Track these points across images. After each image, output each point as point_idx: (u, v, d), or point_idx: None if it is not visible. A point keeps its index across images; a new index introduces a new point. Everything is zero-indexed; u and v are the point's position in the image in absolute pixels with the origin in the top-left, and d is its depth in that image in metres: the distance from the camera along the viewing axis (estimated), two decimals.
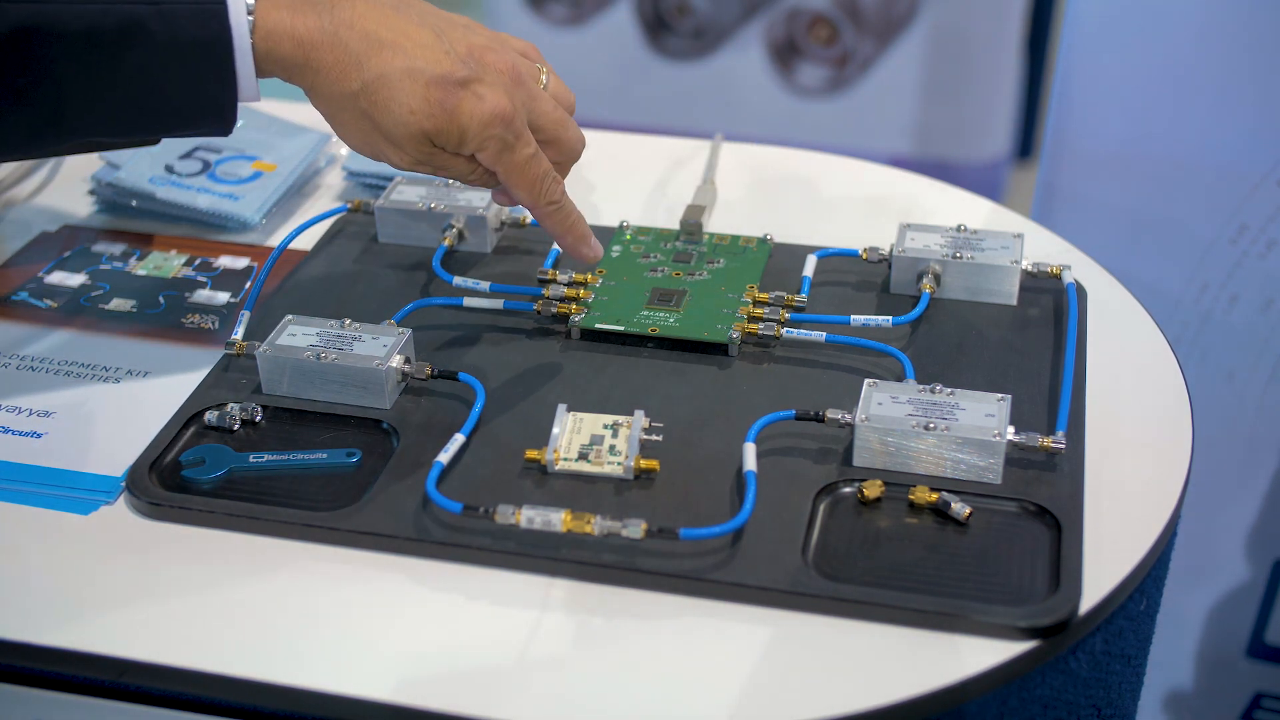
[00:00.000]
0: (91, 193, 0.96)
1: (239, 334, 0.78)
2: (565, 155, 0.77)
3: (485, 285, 0.82)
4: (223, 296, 0.86)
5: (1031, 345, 0.78)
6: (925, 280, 0.81)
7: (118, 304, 0.85)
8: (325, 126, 1.01)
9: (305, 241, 0.89)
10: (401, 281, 0.85)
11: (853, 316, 0.78)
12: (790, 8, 2.11)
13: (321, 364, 0.73)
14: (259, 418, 0.74)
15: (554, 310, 0.80)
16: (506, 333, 0.80)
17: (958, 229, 0.84)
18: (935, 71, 2.10)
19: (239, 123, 1.00)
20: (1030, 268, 0.82)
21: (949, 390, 0.70)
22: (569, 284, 0.82)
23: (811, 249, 0.86)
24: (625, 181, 0.98)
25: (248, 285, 0.86)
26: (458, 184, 0.89)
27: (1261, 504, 1.17)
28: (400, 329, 0.76)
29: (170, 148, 0.97)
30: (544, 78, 0.76)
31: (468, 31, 0.74)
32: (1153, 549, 0.65)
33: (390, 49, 0.70)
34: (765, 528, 0.65)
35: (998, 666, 0.60)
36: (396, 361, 0.74)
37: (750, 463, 0.67)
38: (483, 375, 0.74)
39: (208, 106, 0.70)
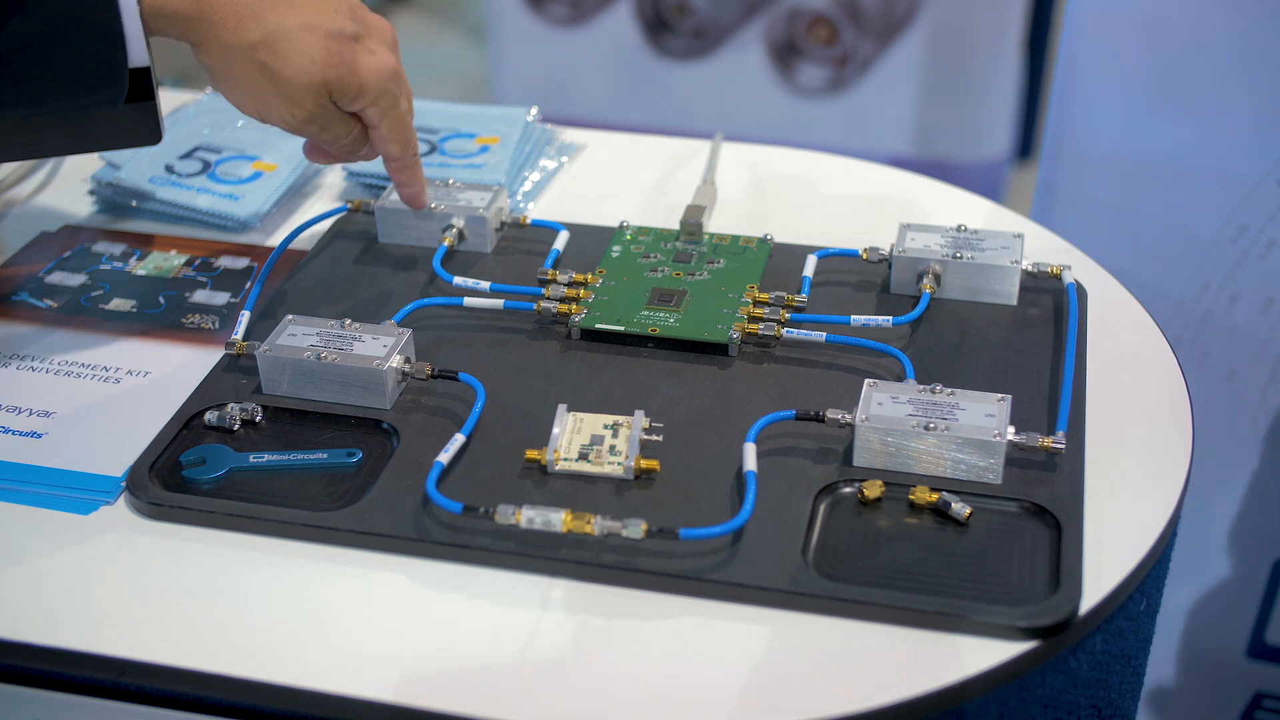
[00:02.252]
0: (91, 193, 0.96)
1: (239, 334, 0.78)
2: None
3: (485, 285, 0.82)
4: (223, 296, 0.86)
5: (1031, 345, 0.78)
6: (925, 280, 0.81)
7: (118, 304, 0.85)
8: None
9: (305, 241, 0.89)
10: (401, 281, 0.85)
11: (853, 316, 0.78)
12: (790, 8, 2.11)
13: (322, 364, 0.73)
14: (259, 418, 0.74)
15: (554, 310, 0.80)
16: (506, 333, 0.80)
17: (958, 229, 0.84)
18: (935, 71, 2.10)
19: (238, 123, 1.01)
20: (1030, 268, 0.82)
21: (949, 390, 0.70)
22: (569, 284, 0.82)
23: (811, 249, 0.86)
24: (625, 181, 0.98)
25: (248, 285, 0.86)
26: (458, 184, 0.89)
27: (1261, 504, 1.17)
28: (400, 329, 0.76)
29: (170, 147, 0.97)
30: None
31: None
32: (1153, 549, 0.65)
33: (285, 3, 0.73)
34: (765, 528, 0.65)
35: (998, 667, 0.60)
36: (396, 361, 0.74)
37: (750, 463, 0.67)
38: (483, 375, 0.74)
39: (97, 72, 0.70)
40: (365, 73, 0.75)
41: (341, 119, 0.78)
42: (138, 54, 0.70)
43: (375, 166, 0.96)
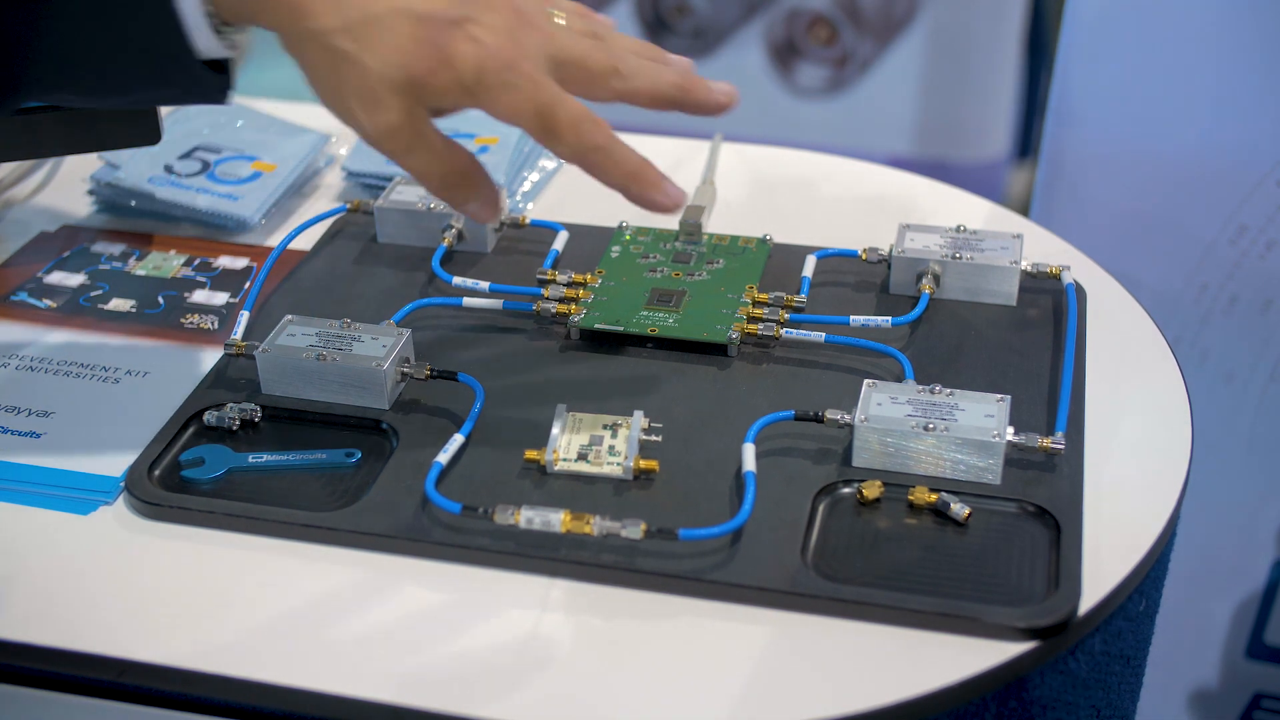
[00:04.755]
0: (91, 193, 0.96)
1: (238, 334, 0.78)
2: (632, 83, 0.67)
3: (485, 285, 0.82)
4: (222, 297, 0.86)
5: (1031, 346, 0.78)
6: (925, 281, 0.81)
7: (117, 304, 0.85)
8: (325, 126, 1.01)
9: (305, 241, 0.89)
10: (401, 281, 0.85)
11: (852, 317, 0.78)
12: (790, 8, 2.11)
13: (321, 364, 0.73)
14: (258, 418, 0.74)
15: (553, 310, 0.80)
16: (506, 333, 0.80)
17: (957, 229, 0.84)
18: (935, 71, 2.10)
19: (238, 123, 1.01)
20: (1030, 268, 0.82)
21: (948, 391, 0.70)
22: (568, 284, 0.82)
23: (811, 249, 0.86)
24: None
25: (247, 285, 0.86)
26: None
27: (1261, 504, 1.17)
28: (400, 329, 0.76)
29: (170, 147, 0.97)
30: (559, 17, 0.67)
31: None
32: (1152, 549, 0.65)
33: None
34: (764, 528, 0.65)
35: (997, 667, 0.60)
36: (396, 361, 0.74)
37: (749, 463, 0.67)
38: (482, 375, 0.74)
39: (160, 60, 0.62)
40: (461, 62, 0.61)
41: (435, 136, 0.64)
42: (205, 42, 0.61)
43: (375, 166, 0.96)
